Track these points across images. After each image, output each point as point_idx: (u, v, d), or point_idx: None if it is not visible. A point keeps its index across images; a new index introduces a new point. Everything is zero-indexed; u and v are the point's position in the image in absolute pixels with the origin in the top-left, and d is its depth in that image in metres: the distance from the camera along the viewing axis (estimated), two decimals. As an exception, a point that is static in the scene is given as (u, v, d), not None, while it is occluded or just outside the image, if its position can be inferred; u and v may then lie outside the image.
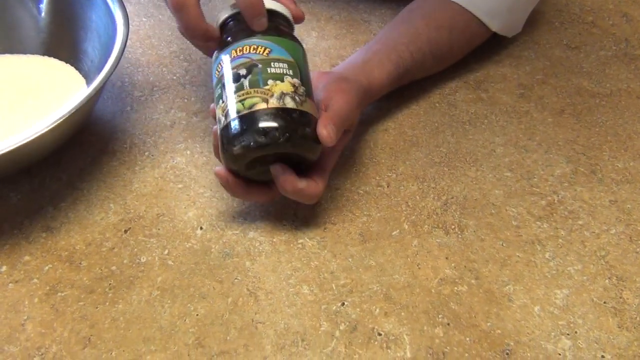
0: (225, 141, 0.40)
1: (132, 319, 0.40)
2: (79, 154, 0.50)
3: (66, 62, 0.54)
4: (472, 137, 0.53)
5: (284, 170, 0.41)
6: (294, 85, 0.40)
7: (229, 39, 0.42)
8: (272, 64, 0.40)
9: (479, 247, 0.44)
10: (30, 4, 0.53)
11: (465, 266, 0.43)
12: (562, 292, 0.42)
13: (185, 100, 0.55)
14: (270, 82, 0.40)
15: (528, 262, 0.44)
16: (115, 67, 0.46)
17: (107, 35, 0.50)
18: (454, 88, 0.57)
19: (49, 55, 0.55)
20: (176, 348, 0.39)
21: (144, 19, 0.65)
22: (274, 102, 0.39)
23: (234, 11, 0.43)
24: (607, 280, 0.43)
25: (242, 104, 0.39)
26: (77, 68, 0.54)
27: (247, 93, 0.40)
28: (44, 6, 0.54)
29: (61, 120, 0.42)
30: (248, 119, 0.39)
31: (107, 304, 0.41)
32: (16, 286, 0.42)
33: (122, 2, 0.49)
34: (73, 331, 0.39)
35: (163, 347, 0.39)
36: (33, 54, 0.55)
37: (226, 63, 0.41)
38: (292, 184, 0.41)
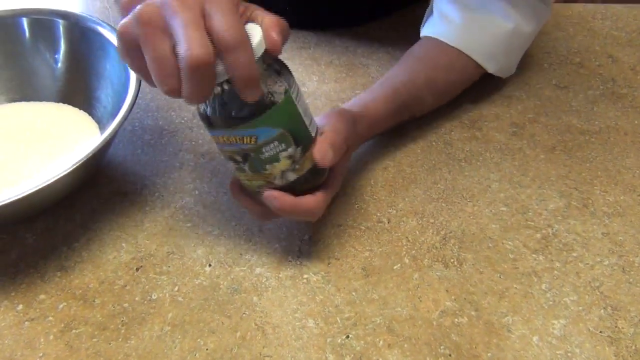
0: None
1: (144, 354, 0.41)
2: (92, 196, 0.53)
3: (80, 109, 0.57)
4: (468, 174, 0.55)
5: (275, 195, 0.42)
6: (291, 158, 0.41)
7: (212, 118, 0.39)
8: (263, 149, 0.40)
9: (477, 279, 0.46)
10: (47, 54, 0.56)
11: (465, 298, 0.45)
12: (559, 323, 0.43)
13: (193, 143, 0.58)
14: (268, 166, 0.41)
15: (525, 293, 0.45)
16: (128, 115, 0.48)
17: (119, 82, 0.53)
18: (450, 127, 0.60)
19: (64, 102, 0.58)
20: (187, 382, 0.40)
21: (153, 66, 0.68)
22: (278, 182, 0.42)
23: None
24: (602, 310, 0.44)
25: (251, 183, 0.42)
26: (90, 114, 0.57)
27: (250, 177, 0.42)
28: (59, 56, 0.57)
29: (76, 165, 0.44)
30: (260, 194, 0.42)
31: (120, 340, 0.42)
32: (32, 324, 0.43)
33: (135, 52, 0.52)
34: (87, 367, 0.41)
35: (174, 382, 0.40)
36: (49, 101, 0.58)
37: (220, 145, 0.41)
38: (285, 201, 0.42)
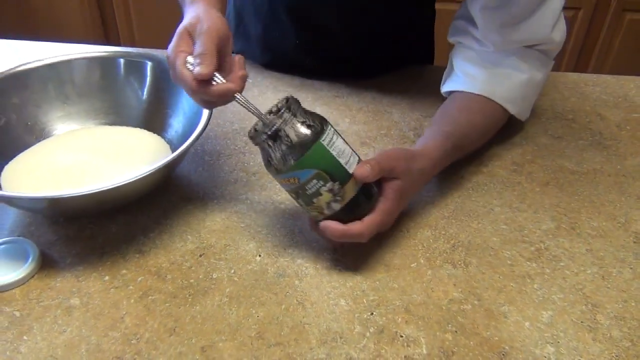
0: None
1: (207, 317, 0.51)
2: (163, 199, 0.64)
3: (155, 133, 0.70)
4: (474, 199, 0.65)
5: (327, 225, 0.53)
6: (331, 191, 0.51)
7: (269, 168, 0.52)
8: (305, 187, 0.51)
9: (480, 278, 0.56)
10: (136, 88, 0.70)
11: (469, 291, 0.54)
12: (547, 313, 0.52)
13: (245, 164, 0.70)
14: (314, 200, 0.52)
15: (520, 290, 0.55)
16: (198, 138, 0.59)
17: (191, 112, 0.66)
18: (460, 163, 0.71)
19: (143, 127, 0.70)
20: (242, 339, 0.49)
21: (211, 105, 0.81)
22: (326, 212, 0.52)
23: (267, 134, 0.50)
24: (584, 306, 0.53)
25: (310, 214, 0.54)
26: (163, 136, 0.70)
27: (307, 209, 0.54)
28: (145, 90, 0.70)
29: (154, 170, 0.54)
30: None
31: (188, 305, 0.52)
32: (116, 290, 0.54)
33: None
34: (161, 324, 0.50)
35: (231, 338, 0.49)
36: (130, 126, 0.71)
37: (283, 187, 0.54)
38: (335, 230, 0.52)
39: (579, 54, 1.89)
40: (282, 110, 0.50)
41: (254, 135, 0.51)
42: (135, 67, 0.70)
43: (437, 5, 0.91)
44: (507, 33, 0.68)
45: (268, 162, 0.52)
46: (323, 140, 0.50)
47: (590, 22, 1.81)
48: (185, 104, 0.68)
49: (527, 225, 0.62)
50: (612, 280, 0.56)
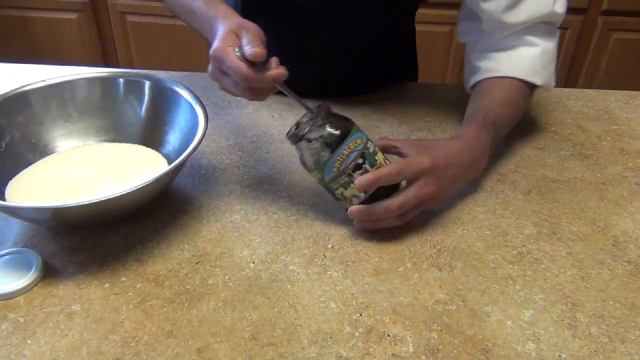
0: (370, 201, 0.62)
1: (203, 320, 0.53)
2: (160, 211, 0.67)
3: (153, 148, 0.73)
4: (459, 207, 0.68)
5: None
6: (377, 148, 0.62)
7: (331, 142, 0.59)
8: (368, 145, 0.61)
9: (465, 280, 0.58)
10: (135, 106, 0.73)
11: (454, 293, 0.57)
12: (529, 312, 0.55)
13: (240, 177, 0.73)
14: (376, 157, 0.61)
15: (503, 291, 0.57)
16: (194, 150, 0.62)
17: (187, 127, 0.69)
18: (446, 173, 0.74)
19: (141, 143, 0.73)
20: (236, 340, 0.51)
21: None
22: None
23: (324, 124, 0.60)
24: (564, 306, 0.56)
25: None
26: (160, 151, 0.73)
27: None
28: (143, 108, 0.73)
29: (152, 180, 0.58)
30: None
31: (184, 310, 0.54)
32: (116, 297, 0.56)
33: (203, 105, 0.68)
34: (159, 327, 0.53)
35: (226, 339, 0.52)
36: (129, 142, 0.74)
37: (344, 160, 0.59)
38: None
39: (567, 72, 1.94)
40: (319, 104, 0.61)
41: (317, 122, 0.59)
42: (134, 86, 0.73)
43: (418, 27, 0.95)
44: (512, 16, 0.73)
45: (333, 138, 0.59)
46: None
47: (578, 41, 1.86)
48: (181, 120, 0.71)
49: (510, 231, 0.65)
50: (591, 280, 0.58)
